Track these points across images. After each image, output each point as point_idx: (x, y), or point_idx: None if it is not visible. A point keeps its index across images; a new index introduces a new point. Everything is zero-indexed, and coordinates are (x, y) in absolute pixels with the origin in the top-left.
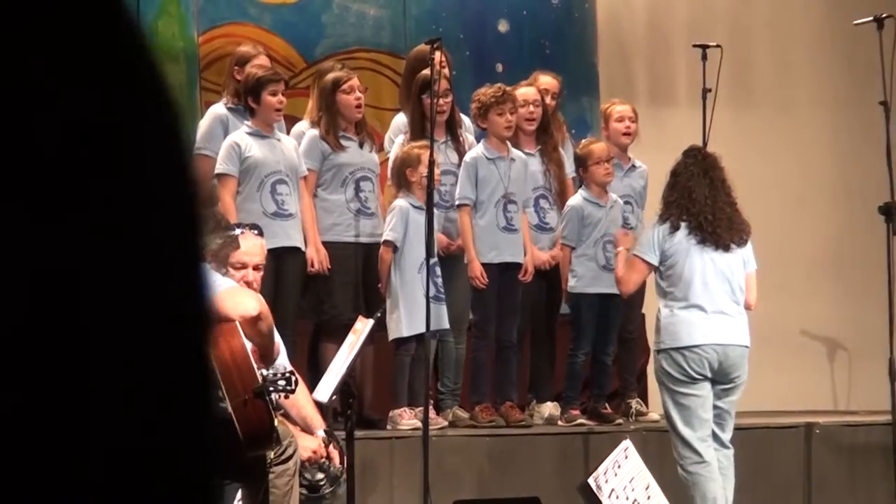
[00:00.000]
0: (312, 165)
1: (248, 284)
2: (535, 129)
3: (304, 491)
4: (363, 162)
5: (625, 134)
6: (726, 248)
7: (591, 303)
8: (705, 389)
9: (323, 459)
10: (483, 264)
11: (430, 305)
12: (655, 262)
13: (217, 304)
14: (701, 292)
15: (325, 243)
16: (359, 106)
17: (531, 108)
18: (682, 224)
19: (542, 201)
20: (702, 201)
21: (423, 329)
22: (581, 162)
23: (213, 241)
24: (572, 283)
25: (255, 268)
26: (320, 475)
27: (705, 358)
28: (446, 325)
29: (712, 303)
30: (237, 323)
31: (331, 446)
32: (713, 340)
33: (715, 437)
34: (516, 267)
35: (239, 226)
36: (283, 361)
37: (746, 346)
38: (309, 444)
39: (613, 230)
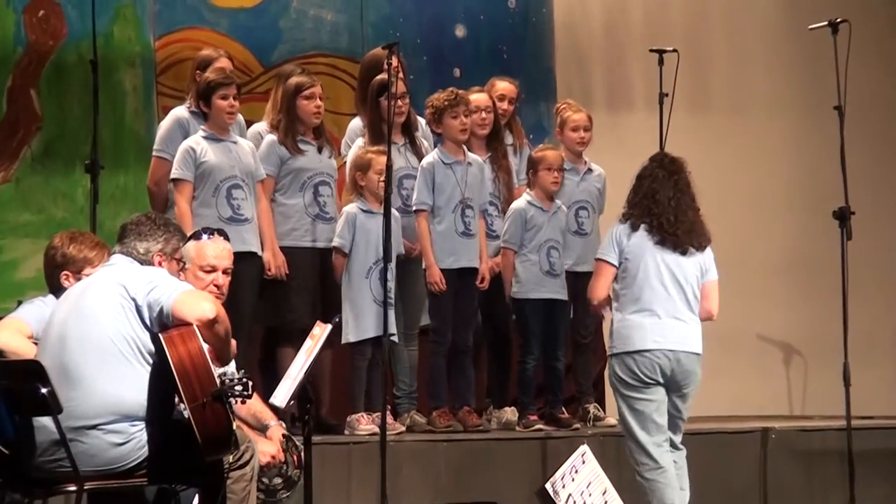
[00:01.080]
0: (270, 171)
1: (218, 287)
2: (485, 136)
3: (262, 495)
4: (321, 167)
5: (579, 143)
6: (684, 252)
7: (534, 308)
8: (659, 394)
9: (282, 463)
10: (441, 270)
11: (376, 310)
12: (616, 262)
13: (175, 307)
14: (654, 297)
15: (283, 248)
16: (318, 113)
17: (483, 113)
18: (643, 224)
19: (491, 208)
20: (665, 203)
21: (370, 334)
22: (532, 165)
23: (155, 243)
24: (515, 289)
25: (224, 272)
26: (278, 480)
27: (657, 363)
28: (392, 330)
29: (666, 308)
30: (195, 326)
31: (289, 451)
32: (665, 346)
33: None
34: (473, 272)
35: (207, 230)
36: (231, 367)
37: (699, 354)
38: (267, 449)
39: (557, 236)
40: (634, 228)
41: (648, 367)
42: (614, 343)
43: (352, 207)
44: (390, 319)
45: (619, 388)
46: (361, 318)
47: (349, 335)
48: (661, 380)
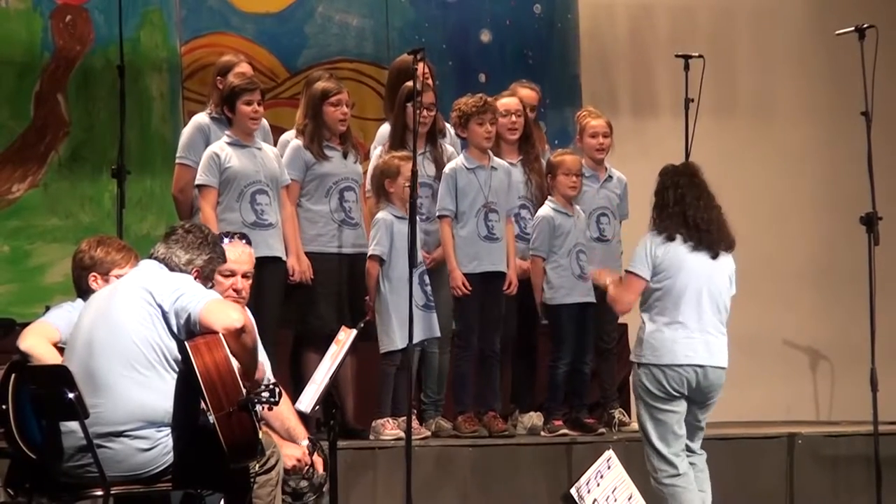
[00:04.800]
0: (296, 176)
1: (237, 292)
2: (517, 139)
3: (288, 499)
4: (347, 172)
5: (598, 150)
6: (716, 255)
7: (570, 313)
8: (682, 406)
9: (307, 467)
10: (465, 274)
11: (420, 314)
12: (648, 276)
13: (202, 315)
14: (689, 310)
15: (308, 254)
16: (343, 120)
17: (513, 117)
18: (679, 235)
19: (524, 211)
20: (695, 204)
21: (418, 339)
22: (551, 169)
23: (199, 257)
24: (549, 295)
25: (244, 276)
26: (304, 483)
27: (685, 377)
28: (437, 333)
29: (698, 322)
30: (221, 335)
31: (314, 454)
32: (694, 361)
33: (685, 447)
34: (499, 276)
35: (227, 234)
36: (267, 375)
37: (725, 368)
38: (293, 453)
39: (583, 240)
40: (671, 239)
41: (677, 380)
42: (643, 352)
43: (386, 214)
44: (433, 323)
45: (644, 397)
46: (407, 325)
47: (396, 342)
48: (686, 392)
